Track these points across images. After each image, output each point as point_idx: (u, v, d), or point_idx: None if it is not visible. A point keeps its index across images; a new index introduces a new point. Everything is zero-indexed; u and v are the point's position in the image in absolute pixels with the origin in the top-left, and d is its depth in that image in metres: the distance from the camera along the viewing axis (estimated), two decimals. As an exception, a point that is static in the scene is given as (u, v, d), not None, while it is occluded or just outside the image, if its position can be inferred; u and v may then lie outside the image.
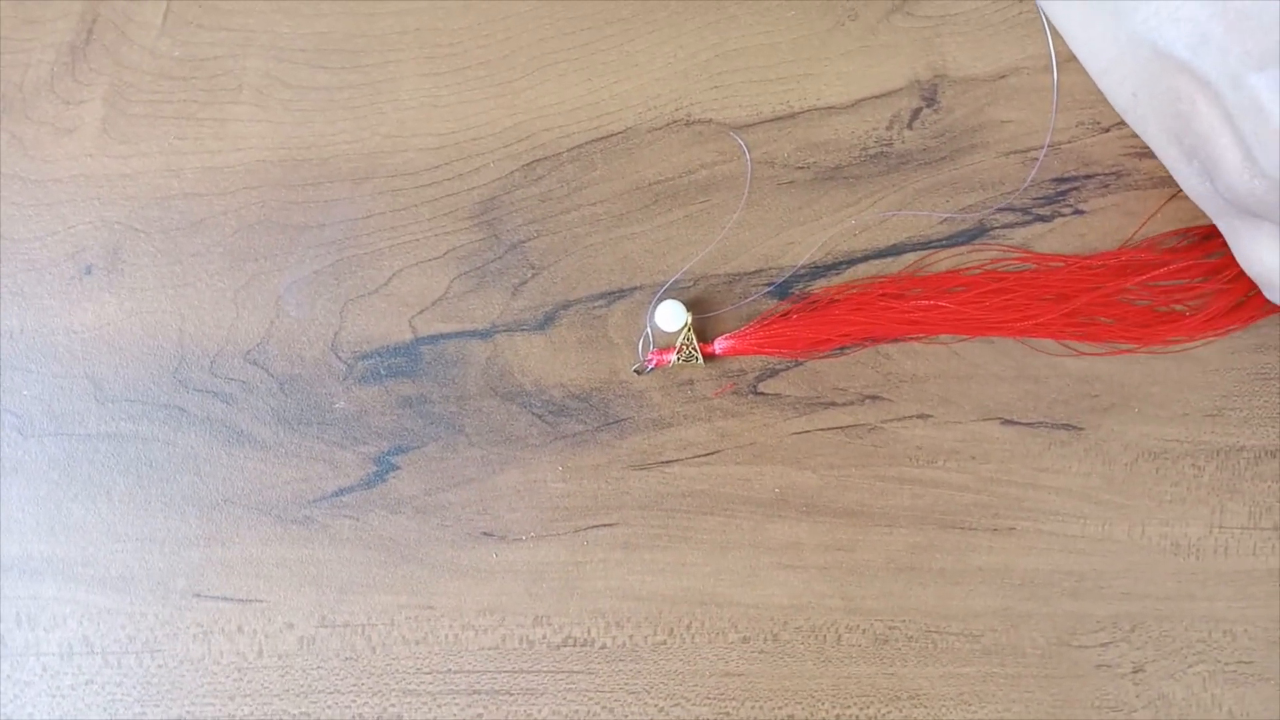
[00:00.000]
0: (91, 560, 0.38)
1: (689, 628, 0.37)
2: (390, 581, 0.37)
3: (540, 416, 0.37)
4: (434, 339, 0.37)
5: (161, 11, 0.38)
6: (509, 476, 0.37)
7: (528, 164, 0.37)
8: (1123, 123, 0.35)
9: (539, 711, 0.37)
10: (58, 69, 0.38)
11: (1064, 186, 0.36)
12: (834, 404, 0.36)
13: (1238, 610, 0.36)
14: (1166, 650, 0.36)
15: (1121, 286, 0.35)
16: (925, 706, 0.36)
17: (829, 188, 0.36)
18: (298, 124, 0.37)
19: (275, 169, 0.37)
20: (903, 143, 0.36)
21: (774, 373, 0.37)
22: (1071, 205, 0.36)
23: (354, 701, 0.37)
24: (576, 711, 0.37)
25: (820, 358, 0.36)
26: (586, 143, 0.37)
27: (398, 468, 0.37)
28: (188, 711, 0.37)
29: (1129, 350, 0.36)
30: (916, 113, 0.36)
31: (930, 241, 0.36)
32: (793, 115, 0.36)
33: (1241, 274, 0.34)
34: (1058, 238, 0.36)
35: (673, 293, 0.37)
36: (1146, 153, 0.35)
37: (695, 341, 0.36)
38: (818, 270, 0.36)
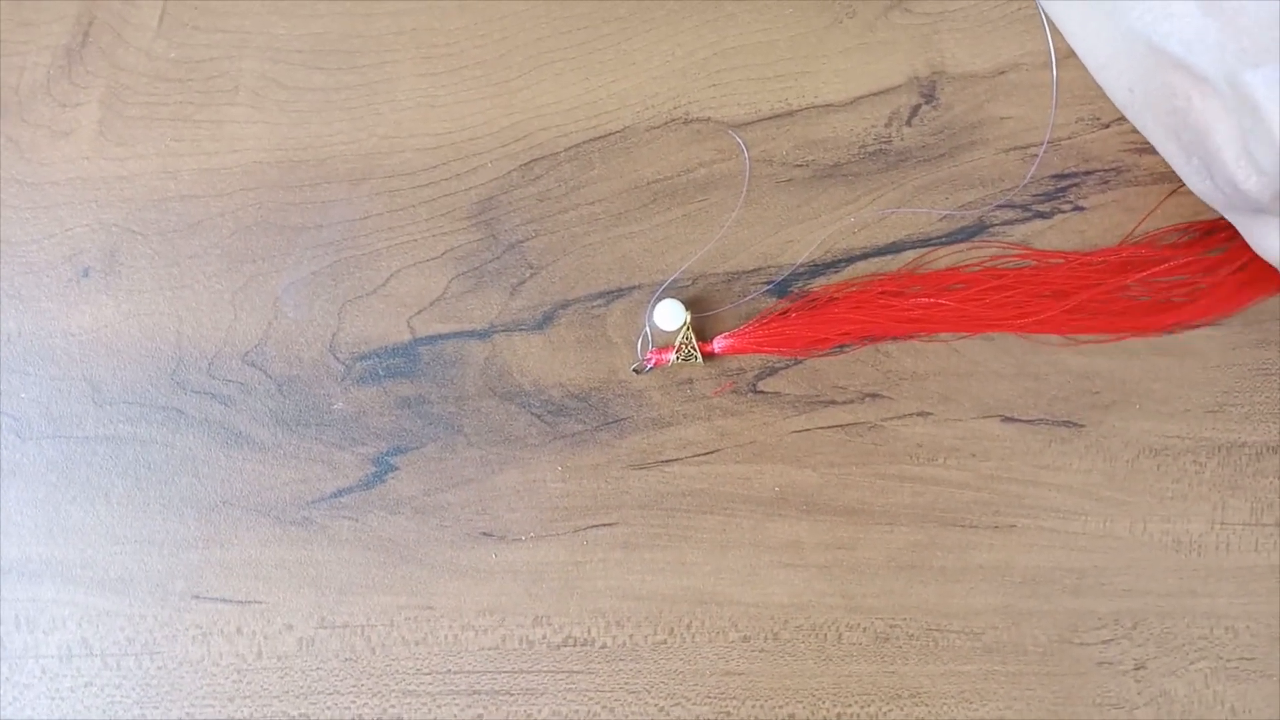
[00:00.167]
0: (90, 562, 0.38)
1: (689, 627, 0.37)
2: (389, 582, 0.37)
3: (539, 416, 0.37)
4: (432, 339, 0.37)
5: (157, 13, 0.38)
6: (508, 476, 0.37)
7: (525, 164, 0.37)
8: (1123, 118, 0.35)
9: (539, 712, 0.37)
10: (54, 72, 0.38)
11: (1064, 183, 0.36)
12: (834, 402, 0.36)
13: (1239, 607, 0.36)
14: (1168, 647, 0.36)
15: (1122, 283, 0.35)
16: (926, 705, 0.36)
17: (828, 185, 0.36)
18: (294, 125, 0.37)
19: (272, 170, 0.37)
20: (902, 140, 0.36)
21: (773, 371, 0.37)
22: (1071, 201, 0.36)
23: (353, 703, 0.37)
24: (577, 711, 0.37)
25: (820, 356, 0.36)
26: (584, 142, 0.37)
27: (396, 468, 0.37)
28: (187, 713, 0.37)
29: (1129, 336, 0.35)
30: (915, 109, 0.36)
31: (930, 239, 0.36)
32: (791, 113, 0.36)
33: (1245, 263, 0.34)
34: (1058, 234, 0.36)
35: (671, 292, 0.37)
36: (1147, 148, 0.35)
37: (694, 340, 0.36)
38: (817, 268, 0.36)
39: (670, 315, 0.36)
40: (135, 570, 0.38)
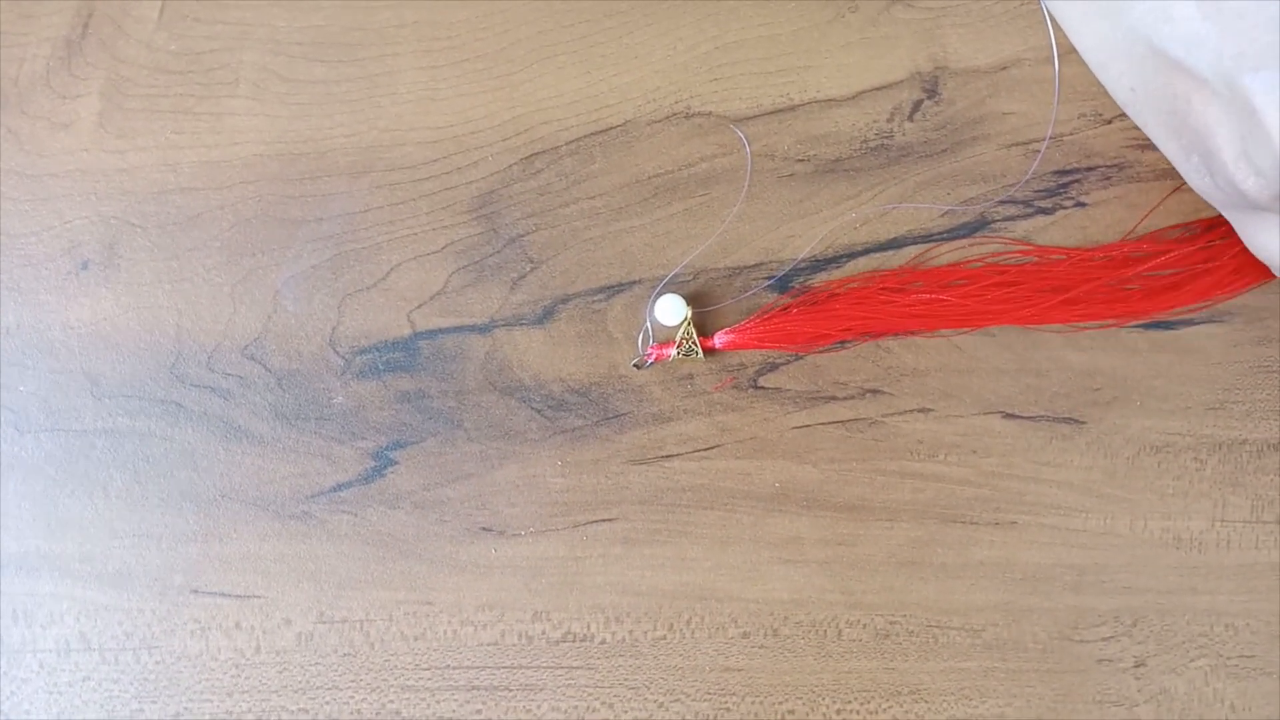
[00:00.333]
0: (88, 556, 0.38)
1: (689, 623, 0.37)
2: (389, 577, 0.37)
3: (539, 411, 0.37)
4: (432, 333, 0.37)
5: (158, 5, 0.37)
6: (508, 471, 0.37)
7: (526, 157, 0.37)
8: (1124, 115, 0.35)
9: (538, 707, 0.37)
10: (54, 64, 0.38)
11: (1066, 179, 0.36)
12: (834, 398, 0.36)
13: (1240, 604, 0.36)
14: (1168, 644, 0.36)
15: (1124, 279, 0.35)
16: (926, 701, 0.36)
17: (829, 180, 0.36)
18: (295, 118, 0.37)
19: (272, 163, 0.37)
20: (903, 135, 0.36)
21: (774, 367, 0.36)
22: (1073, 198, 0.36)
23: (352, 698, 0.37)
24: (576, 707, 0.37)
25: (821, 352, 0.36)
26: (585, 136, 0.37)
27: (396, 463, 0.37)
28: (185, 708, 0.37)
29: (1128, 320, 0.35)
30: (917, 105, 0.36)
31: (931, 234, 0.36)
32: (793, 108, 0.36)
33: (1243, 248, 0.34)
34: (1060, 230, 0.36)
35: (672, 287, 0.36)
36: (1149, 145, 0.35)
37: (695, 336, 0.36)
38: (818, 264, 0.36)
39: (671, 310, 0.36)
40: (134, 564, 0.37)
